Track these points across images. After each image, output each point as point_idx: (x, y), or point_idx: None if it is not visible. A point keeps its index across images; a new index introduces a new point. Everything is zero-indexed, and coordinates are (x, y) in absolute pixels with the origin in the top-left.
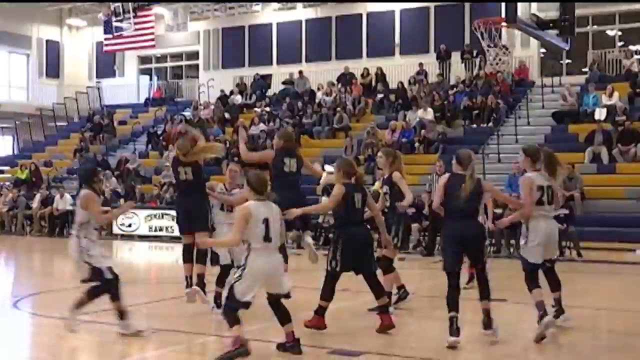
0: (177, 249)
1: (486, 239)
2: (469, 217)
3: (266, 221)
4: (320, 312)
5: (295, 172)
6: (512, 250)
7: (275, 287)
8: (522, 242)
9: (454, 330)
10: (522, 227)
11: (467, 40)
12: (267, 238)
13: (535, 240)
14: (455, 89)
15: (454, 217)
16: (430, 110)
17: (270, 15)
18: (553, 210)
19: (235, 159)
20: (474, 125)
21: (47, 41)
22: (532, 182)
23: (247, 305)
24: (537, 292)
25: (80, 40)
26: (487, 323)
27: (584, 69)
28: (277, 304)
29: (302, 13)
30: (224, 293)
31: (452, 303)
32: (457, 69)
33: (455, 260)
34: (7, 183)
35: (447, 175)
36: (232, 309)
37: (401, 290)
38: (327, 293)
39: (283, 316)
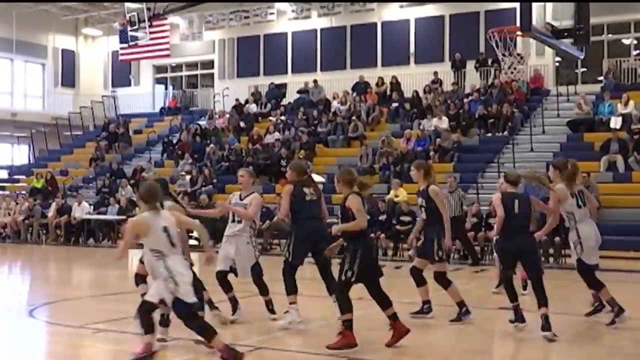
0: (193, 258)
1: (537, 250)
2: (522, 232)
3: (165, 228)
4: (347, 325)
5: (316, 199)
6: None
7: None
8: (576, 249)
9: (520, 317)
10: (570, 235)
11: (481, 49)
12: (172, 244)
13: (589, 242)
14: (470, 97)
15: (508, 232)
16: (445, 118)
17: (285, 25)
18: (589, 213)
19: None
20: (489, 134)
21: (62, 50)
22: (564, 193)
23: (197, 305)
24: (605, 291)
25: (95, 50)
26: (546, 326)
27: (599, 78)
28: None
29: (317, 22)
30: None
31: (512, 296)
32: (472, 78)
33: (510, 267)
34: (23, 192)
35: (499, 194)
36: (193, 316)
37: (426, 305)
38: (346, 304)
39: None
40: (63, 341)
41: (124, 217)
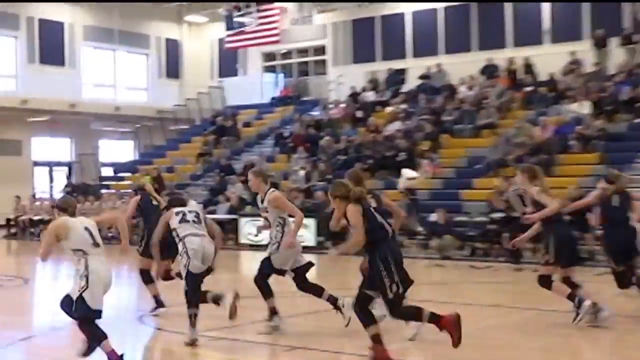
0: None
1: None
2: (619, 225)
3: (87, 228)
4: (433, 318)
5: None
6: None
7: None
8: None
9: None
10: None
11: (626, 24)
12: (95, 244)
13: None
14: (615, 78)
15: (609, 225)
16: (586, 103)
17: (403, 4)
18: None
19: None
20: (639, 120)
21: (166, 40)
22: None
23: (100, 313)
24: None
25: (200, 38)
26: None
27: None
28: None
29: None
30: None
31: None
32: (616, 57)
33: (621, 261)
34: (130, 190)
35: (599, 190)
36: (90, 320)
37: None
38: (413, 312)
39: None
40: (176, 350)
41: (234, 216)
